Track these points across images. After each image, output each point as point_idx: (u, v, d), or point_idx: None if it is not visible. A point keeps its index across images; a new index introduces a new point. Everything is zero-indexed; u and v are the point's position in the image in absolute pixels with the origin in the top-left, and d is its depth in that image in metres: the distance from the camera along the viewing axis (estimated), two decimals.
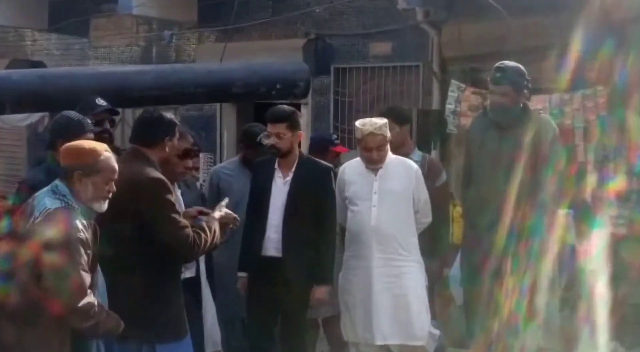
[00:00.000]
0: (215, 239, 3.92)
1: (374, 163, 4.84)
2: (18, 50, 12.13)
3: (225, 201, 4.25)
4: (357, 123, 4.90)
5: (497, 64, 4.90)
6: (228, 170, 5.53)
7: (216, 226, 3.95)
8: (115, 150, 4.02)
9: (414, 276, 4.86)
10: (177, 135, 4.06)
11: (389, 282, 4.79)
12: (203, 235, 3.84)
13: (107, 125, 4.61)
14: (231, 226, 4.15)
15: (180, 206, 4.21)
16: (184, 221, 3.86)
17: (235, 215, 4.15)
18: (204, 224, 3.93)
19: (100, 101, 4.61)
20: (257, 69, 6.11)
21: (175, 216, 3.82)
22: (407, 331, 4.79)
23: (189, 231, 3.83)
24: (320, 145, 5.78)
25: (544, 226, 4.85)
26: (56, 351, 3.39)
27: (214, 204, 5.25)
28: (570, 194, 5.35)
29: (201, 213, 4.24)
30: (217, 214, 4.06)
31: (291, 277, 4.75)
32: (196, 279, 4.60)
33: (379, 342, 4.79)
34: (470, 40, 7.66)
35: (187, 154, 4.44)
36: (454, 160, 7.80)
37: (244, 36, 9.57)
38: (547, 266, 4.94)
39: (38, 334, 3.37)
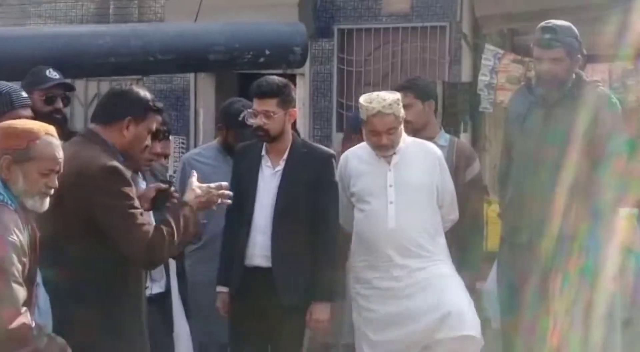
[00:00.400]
0: (188, 230, 3.89)
1: (383, 150, 4.84)
2: None
3: (194, 176, 4.13)
4: (362, 99, 4.87)
5: (543, 24, 4.88)
6: (204, 158, 5.49)
7: (187, 212, 3.90)
8: (70, 134, 4.02)
9: (447, 277, 4.88)
10: (148, 122, 4.01)
11: (422, 292, 4.82)
12: (166, 229, 3.81)
13: (60, 104, 4.63)
14: (218, 202, 4.05)
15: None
16: (144, 219, 3.86)
17: (219, 190, 4.02)
18: (168, 215, 3.90)
19: (52, 73, 4.65)
20: (241, 31, 6.10)
21: (132, 211, 3.81)
22: (448, 325, 4.77)
23: (148, 228, 3.82)
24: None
25: (601, 232, 4.87)
26: None
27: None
28: (636, 191, 5.33)
29: (161, 191, 4.24)
30: (188, 195, 3.99)
31: (283, 291, 4.77)
32: (166, 295, 4.61)
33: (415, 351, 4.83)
34: None
35: (154, 135, 4.42)
36: (489, 145, 7.85)
37: None
38: (606, 285, 4.98)
39: None
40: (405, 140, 4.92)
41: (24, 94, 4.16)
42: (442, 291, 4.83)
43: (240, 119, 5.14)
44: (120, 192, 3.79)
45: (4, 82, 4.19)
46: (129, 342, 3.95)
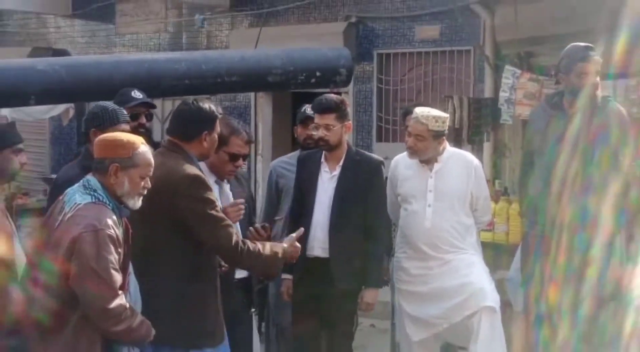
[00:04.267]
0: (274, 261, 3.93)
1: (409, 151, 4.82)
2: (40, 37, 12.30)
3: (300, 231, 4.24)
4: (416, 108, 4.89)
5: (581, 44, 4.79)
6: (288, 165, 5.38)
7: (279, 250, 3.95)
8: (153, 145, 4.04)
9: (474, 264, 4.85)
10: (218, 129, 4.05)
11: (450, 275, 4.80)
12: (257, 246, 3.86)
13: (144, 120, 4.65)
14: (294, 261, 4.17)
15: (228, 201, 4.28)
16: (227, 220, 3.88)
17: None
18: (267, 243, 3.98)
19: (137, 94, 4.66)
20: (296, 55, 6.05)
21: (214, 213, 3.83)
22: (473, 301, 4.73)
23: (232, 230, 3.84)
24: None
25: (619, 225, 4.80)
26: None
27: (271, 203, 5.39)
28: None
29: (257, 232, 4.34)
30: (287, 243, 4.06)
31: (339, 279, 4.76)
32: (248, 280, 4.61)
33: (443, 326, 4.80)
34: (527, 21, 7.54)
35: (237, 158, 4.44)
36: (509, 153, 7.78)
37: (280, 20, 9.61)
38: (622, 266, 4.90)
39: (65, 338, 3.40)
40: (449, 151, 4.91)
41: (125, 112, 4.21)
42: (467, 275, 4.80)
43: (302, 110, 5.31)
44: (203, 198, 3.81)
45: (108, 102, 4.24)
46: (209, 317, 3.95)
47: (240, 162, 4.50)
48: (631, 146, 4.82)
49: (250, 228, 4.45)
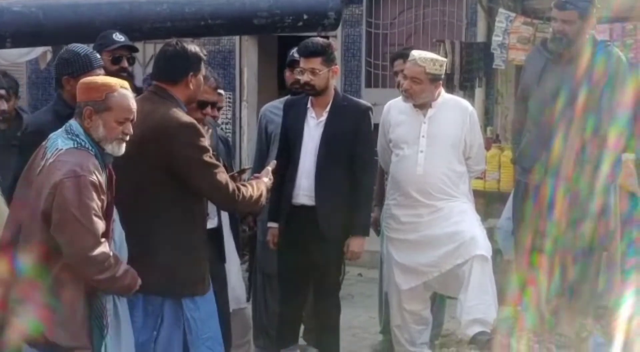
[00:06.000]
0: (260, 200, 3.98)
1: (405, 94, 4.83)
2: None
3: (273, 164, 4.28)
4: (413, 51, 4.91)
5: None
6: (278, 110, 5.35)
7: (263, 187, 4.03)
8: (136, 90, 4.01)
9: (465, 212, 4.89)
10: (203, 70, 4.04)
11: (441, 223, 4.83)
12: (247, 188, 3.92)
13: (126, 63, 4.62)
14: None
15: None
16: (221, 166, 3.91)
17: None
18: (252, 182, 4.04)
19: (118, 36, 4.62)
20: None
21: (211, 160, 3.86)
22: (464, 250, 4.76)
23: (227, 176, 3.88)
24: None
25: (606, 171, 4.82)
26: (67, 306, 3.42)
27: (261, 149, 5.39)
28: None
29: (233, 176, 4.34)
30: (264, 177, 4.13)
31: (325, 227, 4.78)
32: (218, 230, 4.61)
33: (433, 274, 4.84)
34: None
35: (205, 105, 4.45)
36: (501, 98, 7.80)
37: None
38: (608, 216, 4.98)
39: (47, 288, 3.39)
40: (444, 97, 4.92)
41: (98, 56, 4.16)
42: (458, 222, 4.84)
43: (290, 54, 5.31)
44: (199, 145, 3.82)
45: (80, 45, 4.18)
46: (199, 265, 3.99)
47: (209, 110, 4.50)
48: (629, 91, 4.84)
49: None
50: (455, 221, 4.83)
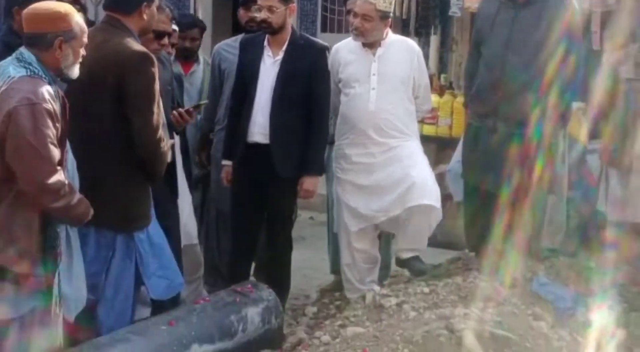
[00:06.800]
0: (165, 160, 4.03)
1: (355, 32, 4.86)
2: None
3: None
4: None
5: None
6: (232, 48, 5.33)
7: (169, 151, 4.06)
8: (89, 23, 3.99)
9: (416, 154, 4.98)
10: (157, 1, 4.04)
11: (392, 166, 4.91)
12: (166, 143, 3.96)
13: None
14: None
15: None
16: (161, 108, 3.95)
17: None
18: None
19: None
20: None
21: (156, 96, 3.87)
22: (413, 195, 4.85)
23: (160, 120, 3.91)
24: None
25: (554, 117, 4.88)
26: (23, 233, 3.43)
27: (214, 87, 5.37)
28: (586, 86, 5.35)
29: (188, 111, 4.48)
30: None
31: (278, 165, 4.81)
32: (171, 166, 4.56)
33: (381, 218, 4.93)
34: None
35: (162, 35, 4.45)
36: (455, 46, 7.80)
37: None
38: (556, 162, 5.06)
39: (3, 213, 3.40)
40: (390, 37, 4.96)
41: None
42: (410, 166, 4.90)
43: None
44: (149, 75, 3.83)
45: None
46: (149, 198, 4.07)
47: (166, 40, 4.50)
48: (580, 39, 4.91)
49: (174, 112, 4.49)
50: (406, 164, 4.91)
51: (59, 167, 3.41)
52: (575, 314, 4.50)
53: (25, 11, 3.52)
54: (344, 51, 5.00)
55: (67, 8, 3.50)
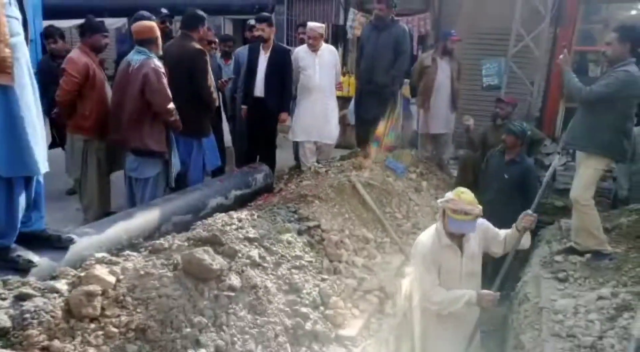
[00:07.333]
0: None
1: (311, 43, 4.61)
2: None
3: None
4: (309, 24, 4.71)
5: None
6: (244, 50, 4.89)
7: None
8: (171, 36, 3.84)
9: (334, 105, 4.88)
10: (206, 25, 3.89)
11: (323, 106, 4.77)
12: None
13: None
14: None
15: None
16: (212, 81, 3.76)
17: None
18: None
19: (164, 10, 4.36)
20: None
21: (209, 76, 3.69)
22: (328, 133, 4.79)
23: (212, 83, 3.71)
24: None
25: (396, 85, 4.79)
26: (157, 137, 3.41)
27: (236, 71, 4.98)
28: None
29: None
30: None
31: (269, 108, 4.59)
32: (217, 108, 4.49)
33: (313, 139, 4.76)
34: None
35: (210, 42, 4.36)
36: (350, 52, 7.70)
37: None
38: (397, 105, 4.91)
39: (147, 126, 3.37)
40: (323, 45, 4.78)
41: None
42: (332, 116, 4.76)
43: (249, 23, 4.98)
44: (206, 61, 3.65)
45: (145, 13, 3.82)
46: (207, 119, 3.85)
47: (213, 45, 4.34)
48: (407, 48, 4.73)
49: (219, 81, 4.31)
50: (332, 115, 4.75)
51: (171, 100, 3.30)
52: (404, 176, 4.54)
53: (137, 28, 3.35)
54: (301, 52, 4.76)
55: (154, 25, 3.37)
